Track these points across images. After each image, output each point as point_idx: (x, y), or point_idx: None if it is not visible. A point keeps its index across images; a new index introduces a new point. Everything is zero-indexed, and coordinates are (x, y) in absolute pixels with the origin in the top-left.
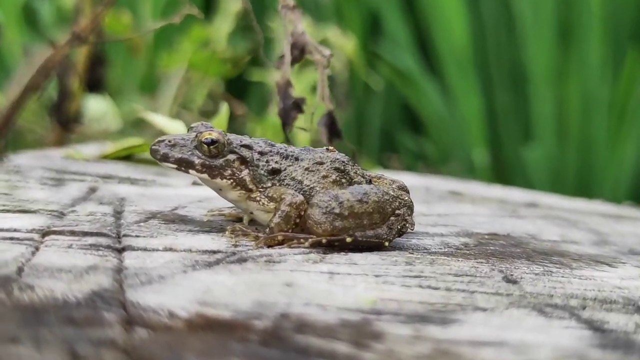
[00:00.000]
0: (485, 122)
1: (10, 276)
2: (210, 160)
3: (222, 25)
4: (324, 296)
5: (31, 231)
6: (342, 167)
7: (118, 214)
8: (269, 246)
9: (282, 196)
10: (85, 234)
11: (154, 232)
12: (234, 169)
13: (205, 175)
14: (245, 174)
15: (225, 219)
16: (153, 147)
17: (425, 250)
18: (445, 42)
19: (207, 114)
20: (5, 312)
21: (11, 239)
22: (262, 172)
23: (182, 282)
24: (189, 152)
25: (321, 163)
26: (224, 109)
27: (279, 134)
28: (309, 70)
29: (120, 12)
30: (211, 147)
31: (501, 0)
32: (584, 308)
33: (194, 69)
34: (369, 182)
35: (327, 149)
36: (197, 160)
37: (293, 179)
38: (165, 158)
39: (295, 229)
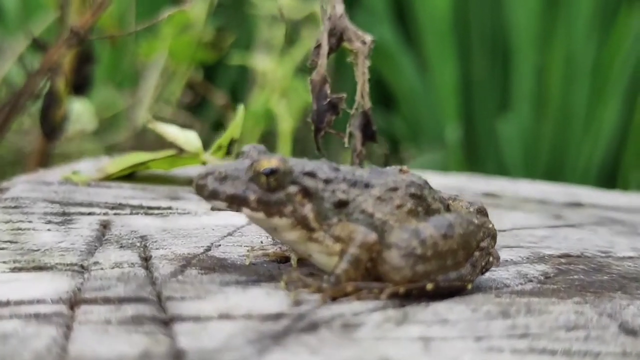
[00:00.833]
0: (460, 95)
1: None
2: (268, 195)
3: (200, 6)
4: None
5: (58, 301)
6: (419, 193)
7: (146, 262)
8: (335, 298)
9: (352, 235)
10: (122, 300)
11: (199, 289)
12: (296, 204)
13: (260, 214)
14: (308, 209)
15: (269, 259)
16: (199, 182)
17: (508, 289)
18: (425, 8)
19: (187, 106)
20: None
21: (36, 316)
22: (327, 205)
23: None
24: (243, 187)
25: (395, 189)
26: (240, 112)
27: (260, 123)
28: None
29: None
30: (270, 178)
31: None
32: None
33: (174, 57)
34: (447, 207)
35: (400, 169)
36: (252, 196)
37: (363, 211)
38: (214, 195)
39: (364, 274)
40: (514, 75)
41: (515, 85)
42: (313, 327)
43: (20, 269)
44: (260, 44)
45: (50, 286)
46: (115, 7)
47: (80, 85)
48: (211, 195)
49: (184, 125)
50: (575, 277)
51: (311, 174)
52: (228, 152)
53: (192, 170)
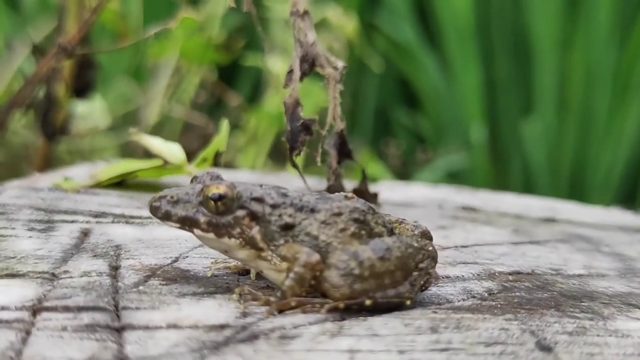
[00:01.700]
0: (484, 96)
1: None
2: (217, 218)
3: (215, 8)
4: None
5: (21, 308)
6: (362, 218)
7: (114, 271)
8: (281, 311)
9: (296, 255)
10: (81, 309)
11: (155, 300)
12: (244, 227)
13: (211, 235)
14: (255, 231)
15: (230, 272)
16: (154, 204)
17: (448, 304)
18: (446, 9)
19: (200, 106)
20: None
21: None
22: (274, 228)
23: None
24: (194, 210)
25: (339, 214)
26: (224, 127)
27: (274, 124)
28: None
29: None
30: (219, 203)
31: None
32: None
33: (186, 58)
34: (390, 230)
35: (345, 196)
36: (202, 218)
37: (308, 234)
38: (167, 217)
39: (309, 290)
40: (537, 77)
41: (537, 87)
42: (253, 338)
43: None
44: (274, 46)
45: (18, 293)
46: (121, 3)
47: (82, 89)
48: (164, 217)
49: (197, 125)
50: (517, 294)
51: (259, 199)
52: (215, 164)
53: (181, 179)
